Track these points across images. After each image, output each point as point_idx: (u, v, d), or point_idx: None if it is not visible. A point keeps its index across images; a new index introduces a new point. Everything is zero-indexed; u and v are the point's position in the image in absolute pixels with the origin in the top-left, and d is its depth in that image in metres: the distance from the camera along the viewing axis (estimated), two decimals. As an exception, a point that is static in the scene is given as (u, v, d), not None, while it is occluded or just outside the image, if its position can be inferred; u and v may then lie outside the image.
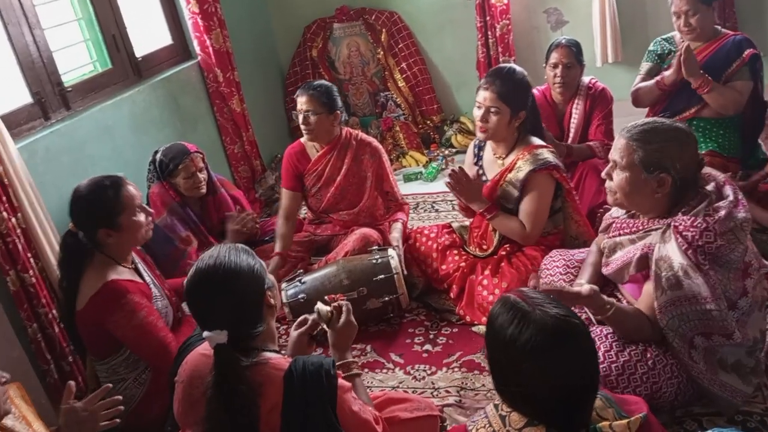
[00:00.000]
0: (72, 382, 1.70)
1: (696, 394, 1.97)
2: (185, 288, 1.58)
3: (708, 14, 2.94)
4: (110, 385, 1.75)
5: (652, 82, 3.12)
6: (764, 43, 3.99)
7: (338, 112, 3.07)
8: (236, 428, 1.48)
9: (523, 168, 2.57)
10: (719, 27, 3.07)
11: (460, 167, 2.68)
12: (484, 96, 2.58)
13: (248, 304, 1.57)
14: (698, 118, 3.04)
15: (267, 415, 1.51)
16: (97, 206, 2.18)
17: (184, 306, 2.43)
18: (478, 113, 2.62)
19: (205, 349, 1.61)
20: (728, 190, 1.86)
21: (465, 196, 2.68)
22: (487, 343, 1.36)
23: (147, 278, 2.37)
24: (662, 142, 1.84)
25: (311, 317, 1.89)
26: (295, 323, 1.91)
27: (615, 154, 1.94)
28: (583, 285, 1.87)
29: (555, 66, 3.14)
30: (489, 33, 4.30)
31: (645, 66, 3.24)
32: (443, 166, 4.30)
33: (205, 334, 1.52)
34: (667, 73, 3.02)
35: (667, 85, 3.03)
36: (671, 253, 1.84)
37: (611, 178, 1.97)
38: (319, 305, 1.93)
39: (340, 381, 1.59)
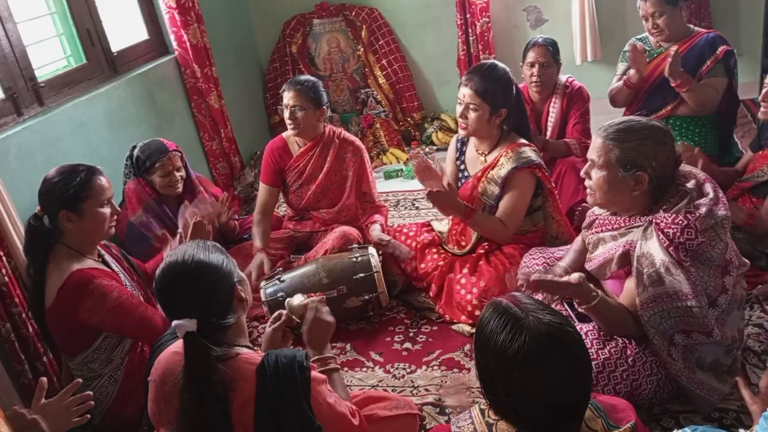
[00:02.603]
0: (44, 379, 1.66)
1: (674, 392, 1.99)
2: (155, 283, 1.56)
3: (675, 15, 2.96)
4: (80, 380, 1.72)
5: (621, 82, 3.14)
6: (738, 43, 4.04)
7: (324, 107, 3.05)
8: (208, 421, 1.46)
9: (505, 165, 2.57)
10: (692, 26, 3.10)
11: (430, 191, 2.52)
12: (463, 93, 2.58)
13: (218, 296, 1.56)
14: (674, 117, 3.07)
15: (240, 410, 1.49)
16: (63, 185, 2.16)
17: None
18: (458, 110, 2.62)
19: (177, 347, 1.59)
20: (708, 188, 1.88)
21: (441, 206, 2.61)
22: (477, 349, 1.29)
23: (115, 268, 2.34)
24: (638, 141, 1.85)
25: (285, 312, 1.89)
26: (271, 319, 1.90)
27: (592, 153, 1.95)
28: (571, 275, 1.88)
29: (532, 65, 3.14)
30: (469, 30, 4.31)
31: (620, 67, 3.27)
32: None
33: (175, 322, 1.49)
34: (631, 72, 3.05)
35: (633, 83, 3.06)
36: (653, 249, 1.85)
37: (590, 177, 1.98)
38: (288, 300, 1.92)
39: (314, 373, 1.57)
